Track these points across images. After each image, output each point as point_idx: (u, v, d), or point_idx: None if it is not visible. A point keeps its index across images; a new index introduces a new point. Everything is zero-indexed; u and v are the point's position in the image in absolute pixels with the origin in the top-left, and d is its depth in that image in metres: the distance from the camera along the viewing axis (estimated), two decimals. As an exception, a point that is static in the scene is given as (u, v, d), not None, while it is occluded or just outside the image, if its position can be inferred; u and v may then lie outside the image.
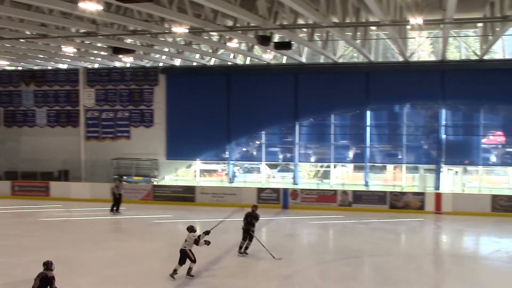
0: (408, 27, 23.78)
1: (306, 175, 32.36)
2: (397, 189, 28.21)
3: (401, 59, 28.21)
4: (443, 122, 28.56)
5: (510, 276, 16.69)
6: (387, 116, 30.12)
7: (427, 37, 28.04)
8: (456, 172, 29.22)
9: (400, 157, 29.50)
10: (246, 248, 17.51)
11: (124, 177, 29.37)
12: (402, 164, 29.78)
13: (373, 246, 20.02)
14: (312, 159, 31.37)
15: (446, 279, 16.18)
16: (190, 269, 15.03)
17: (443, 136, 28.51)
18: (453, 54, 30.71)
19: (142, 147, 31.60)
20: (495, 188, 28.81)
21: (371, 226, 23.53)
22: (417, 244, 21.13)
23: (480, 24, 25.62)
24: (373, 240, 21.03)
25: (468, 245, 22.29)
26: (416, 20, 17.39)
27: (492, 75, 27.34)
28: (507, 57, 28.51)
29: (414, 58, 29.00)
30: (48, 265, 11.41)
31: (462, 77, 27.78)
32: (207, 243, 15.29)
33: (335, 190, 27.61)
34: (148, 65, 31.72)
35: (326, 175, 31.45)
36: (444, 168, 28.77)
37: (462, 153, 28.80)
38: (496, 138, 28.96)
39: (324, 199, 27.14)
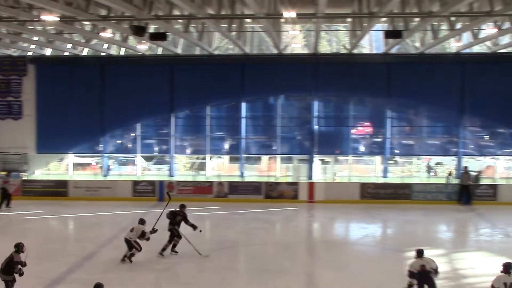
0: (282, 20, 24.23)
1: (182, 167, 32.19)
2: (272, 180, 28.81)
3: (275, 51, 28.73)
4: (316, 114, 29.44)
5: (376, 259, 17.67)
6: (262, 107, 30.55)
7: (300, 31, 28.78)
8: (328, 161, 30.31)
9: (274, 148, 30.07)
10: (174, 245, 16.86)
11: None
12: (277, 155, 30.39)
13: (249, 236, 20.33)
14: (188, 151, 31.20)
15: (318, 265, 16.78)
16: (132, 254, 15.82)
17: (316, 127, 29.43)
18: (325, 48, 31.80)
19: (10, 141, 29.74)
20: (363, 176, 30.26)
21: (247, 217, 23.86)
22: (291, 232, 21.69)
23: (349, 20, 26.71)
24: (249, 230, 21.34)
25: (339, 231, 23.24)
26: (289, 13, 17.77)
27: (361, 68, 28.56)
28: (375, 51, 29.91)
29: (288, 51, 29.64)
30: (18, 248, 11.73)
31: (333, 70, 28.75)
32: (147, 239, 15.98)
33: (211, 182, 27.72)
34: (15, 54, 29.99)
35: (202, 166, 31.44)
36: (317, 158, 29.74)
37: (333, 143, 29.86)
38: (364, 129, 30.36)
39: (201, 190, 27.16)
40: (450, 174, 27.82)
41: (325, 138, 29.51)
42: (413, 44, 28.73)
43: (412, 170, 31.29)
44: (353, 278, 15.24)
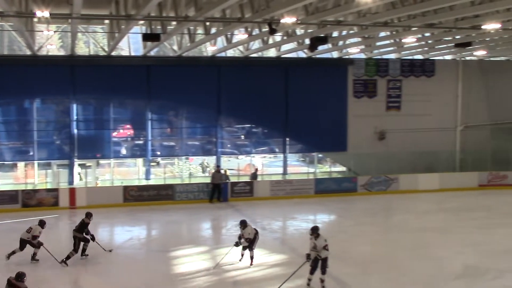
0: (35, 19, 23.06)
1: None
2: (30, 187, 27.25)
3: (29, 52, 27.22)
4: (75, 117, 28.56)
5: (142, 261, 17.76)
6: (16, 111, 28.76)
7: (55, 31, 27.67)
8: (89, 166, 29.59)
9: (31, 153, 28.49)
10: (84, 250, 17.19)
11: None
12: (34, 161, 28.84)
13: (6, 248, 18.96)
14: None
15: (82, 272, 16.28)
16: (34, 254, 16.64)
17: (75, 131, 28.54)
18: (82, 49, 30.91)
19: None
20: (126, 179, 30.10)
21: (3, 228, 22.24)
22: (52, 241, 20.69)
23: (107, 21, 26.36)
24: (8, 242, 19.90)
25: (103, 236, 22.76)
26: (42, 13, 16.97)
27: (120, 70, 28.41)
28: (133, 53, 29.93)
29: (43, 52, 28.28)
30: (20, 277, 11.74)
31: (92, 72, 28.12)
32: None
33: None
34: None
35: None
36: (77, 163, 28.86)
37: (94, 147, 29.28)
38: (125, 131, 30.24)
39: None
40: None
41: (85, 142, 28.80)
42: (171, 47, 29.40)
43: (174, 171, 31.95)
44: (118, 282, 15.13)
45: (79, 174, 29.45)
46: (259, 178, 29.62)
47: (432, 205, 26.03)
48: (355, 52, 29.69)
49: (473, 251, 18.75)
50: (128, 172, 31.88)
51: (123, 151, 30.23)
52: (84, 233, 17.20)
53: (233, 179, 28.77)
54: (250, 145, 31.31)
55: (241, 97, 29.77)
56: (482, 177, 30.89)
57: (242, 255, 16.93)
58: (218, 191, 27.23)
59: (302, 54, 30.60)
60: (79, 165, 29.43)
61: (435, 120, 32.93)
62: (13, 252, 16.79)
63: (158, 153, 30.71)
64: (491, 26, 18.82)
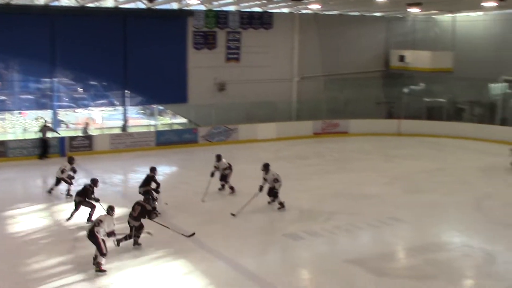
0: None
1: None
2: None
3: None
4: None
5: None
6: None
7: None
8: None
9: None
10: None
11: None
12: None
13: None
14: None
15: None
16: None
17: None
18: None
19: None
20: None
21: None
22: None
23: None
24: None
25: None
26: None
27: None
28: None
29: None
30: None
31: None
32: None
33: None
34: None
35: None
36: None
37: None
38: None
39: None
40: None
41: None
42: (-2, -6, 27.28)
43: (6, 127, 30.12)
44: None
45: None
46: (97, 132, 28.87)
47: (270, 154, 27.04)
48: (195, 3, 29.54)
49: (308, 196, 19.96)
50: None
51: None
52: None
53: (71, 133, 27.80)
54: (88, 98, 30.25)
55: (78, 49, 28.37)
56: (317, 125, 32.64)
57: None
58: (47, 145, 26.16)
59: (141, 5, 29.87)
60: None
61: (273, 71, 33.96)
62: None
63: (-13, 107, 28.74)
64: (323, -20, 19.59)
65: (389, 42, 37.74)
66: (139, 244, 14.62)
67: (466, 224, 17.64)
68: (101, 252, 13.01)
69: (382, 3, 26.70)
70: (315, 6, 30.82)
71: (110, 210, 13.75)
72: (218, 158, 20.30)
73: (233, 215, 17.48)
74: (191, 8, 30.97)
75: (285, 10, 33.83)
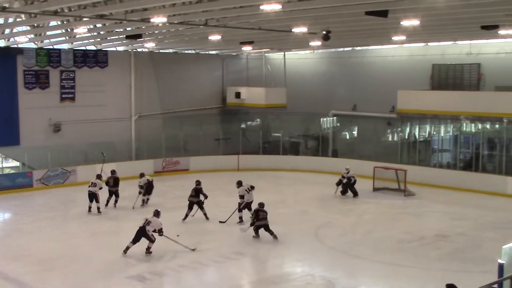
0: None
1: None
2: None
3: None
4: None
5: None
6: None
7: None
8: None
9: None
10: None
11: None
12: None
13: None
14: None
15: None
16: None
17: None
18: None
19: None
20: None
21: None
22: None
23: None
24: None
25: None
26: None
27: None
28: None
29: None
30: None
31: None
32: None
33: None
34: None
35: None
36: None
37: None
38: None
39: None
40: None
41: None
42: None
43: None
44: None
45: None
46: None
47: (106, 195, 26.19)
48: (24, 41, 28.28)
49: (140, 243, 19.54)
50: None
51: None
52: None
53: None
54: None
55: None
56: (157, 163, 32.41)
57: None
58: None
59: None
60: None
61: (110, 110, 33.33)
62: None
63: None
64: (158, 19, 19.68)
65: (225, 79, 38.80)
66: None
67: (307, 254, 18.36)
68: (150, 240, 17.34)
69: (216, 41, 27.37)
70: (150, 45, 30.87)
71: (157, 213, 17.89)
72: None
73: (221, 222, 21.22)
74: (20, 46, 29.55)
75: (120, 48, 33.49)
